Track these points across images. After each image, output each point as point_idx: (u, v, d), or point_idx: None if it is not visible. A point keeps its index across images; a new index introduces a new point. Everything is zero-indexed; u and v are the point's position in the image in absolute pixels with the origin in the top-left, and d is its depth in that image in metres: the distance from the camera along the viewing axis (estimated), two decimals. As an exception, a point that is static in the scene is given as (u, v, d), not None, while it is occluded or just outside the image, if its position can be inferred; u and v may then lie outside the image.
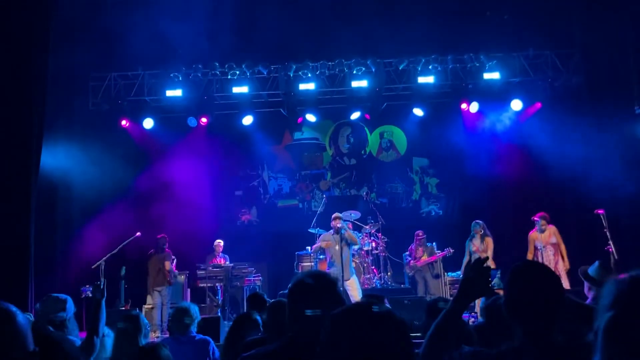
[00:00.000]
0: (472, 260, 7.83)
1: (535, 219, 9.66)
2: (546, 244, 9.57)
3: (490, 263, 9.18)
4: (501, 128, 11.97)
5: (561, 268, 9.34)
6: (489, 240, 9.81)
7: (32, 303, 8.59)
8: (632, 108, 10.25)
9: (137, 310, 5.58)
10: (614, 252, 8.60)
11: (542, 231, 9.63)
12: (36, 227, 9.10)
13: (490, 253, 9.59)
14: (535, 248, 9.65)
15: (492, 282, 2.28)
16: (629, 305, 1.47)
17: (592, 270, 4.52)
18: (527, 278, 2.23)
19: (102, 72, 11.30)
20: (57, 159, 10.50)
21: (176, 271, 10.49)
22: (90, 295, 4.17)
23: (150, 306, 10.18)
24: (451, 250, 10.40)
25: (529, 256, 9.59)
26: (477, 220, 9.93)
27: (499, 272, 7.97)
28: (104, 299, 4.08)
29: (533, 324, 2.14)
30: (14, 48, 8.48)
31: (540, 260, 9.42)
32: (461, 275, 8.86)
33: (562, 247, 9.61)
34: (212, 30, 10.11)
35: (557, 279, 2.28)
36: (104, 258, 9.56)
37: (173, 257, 10.37)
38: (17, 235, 8.64)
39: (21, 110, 8.78)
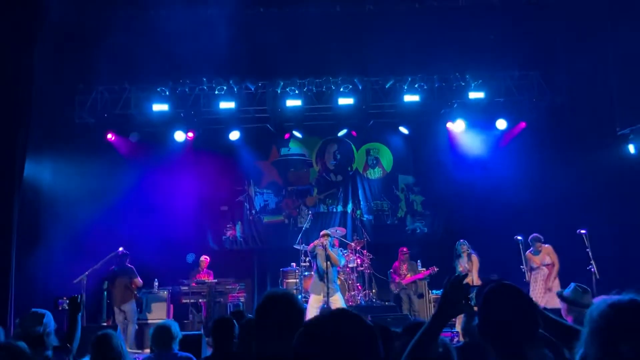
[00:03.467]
0: None
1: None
2: (539, 265, 9.56)
3: (476, 281, 9.20)
4: (486, 147, 12.07)
5: (555, 287, 9.28)
6: (475, 259, 9.83)
7: (12, 318, 8.48)
8: (613, 129, 10.40)
9: (120, 328, 5.54)
10: (596, 272, 8.65)
11: (537, 253, 9.64)
12: (18, 241, 9.00)
13: (475, 271, 9.61)
14: (531, 268, 9.66)
15: (471, 299, 2.26)
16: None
17: (568, 292, 4.55)
18: (500, 301, 2.22)
19: (88, 85, 11.25)
20: (42, 172, 10.43)
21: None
22: (67, 307, 4.12)
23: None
24: (435, 269, 10.40)
25: (527, 275, 9.59)
26: (461, 240, 9.95)
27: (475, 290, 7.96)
28: (79, 313, 4.04)
29: (506, 347, 2.13)
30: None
31: (535, 281, 9.46)
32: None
33: (557, 266, 9.51)
34: (199, 46, 10.11)
35: (530, 301, 2.26)
36: (86, 272, 9.47)
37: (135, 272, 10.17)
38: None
39: (5, 122, 8.72)
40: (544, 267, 9.52)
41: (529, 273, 9.61)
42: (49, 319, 3.96)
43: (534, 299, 2.66)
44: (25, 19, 8.79)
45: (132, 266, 10.09)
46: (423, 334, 2.19)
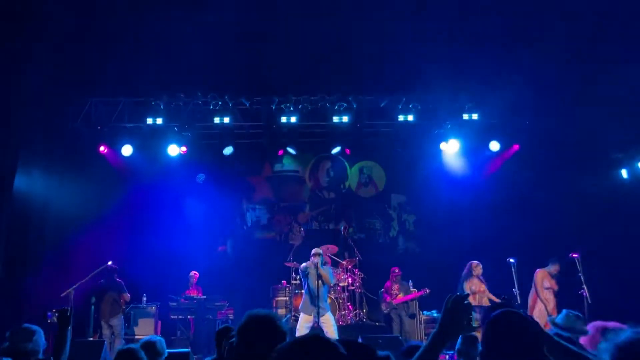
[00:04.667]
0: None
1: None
2: (551, 286, 9.63)
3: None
4: (479, 167, 12.11)
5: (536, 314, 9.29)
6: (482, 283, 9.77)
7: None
8: (606, 153, 10.47)
9: (107, 343, 5.44)
10: (588, 296, 8.65)
11: (554, 276, 9.71)
12: (6, 252, 8.90)
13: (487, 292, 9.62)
14: (544, 287, 9.68)
15: (472, 319, 2.22)
16: None
17: (560, 319, 4.54)
18: (505, 330, 2.18)
19: (82, 96, 11.18)
20: (32, 181, 10.31)
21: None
22: (56, 321, 4.05)
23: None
24: (427, 291, 10.33)
25: (541, 295, 9.62)
26: (475, 261, 9.87)
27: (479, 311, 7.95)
28: (68, 327, 3.96)
29: None
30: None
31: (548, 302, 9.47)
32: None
33: (541, 292, 9.58)
34: (195, 60, 10.12)
35: (536, 332, 2.22)
36: (74, 286, 9.34)
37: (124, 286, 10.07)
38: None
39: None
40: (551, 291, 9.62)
41: (541, 293, 9.59)
42: (39, 336, 3.89)
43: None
44: (16, 31, 8.78)
45: (120, 281, 9.97)
46: (423, 354, 2.15)
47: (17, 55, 8.80)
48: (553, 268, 9.68)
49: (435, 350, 2.17)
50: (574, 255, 8.99)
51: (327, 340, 1.62)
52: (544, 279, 9.67)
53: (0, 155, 8.91)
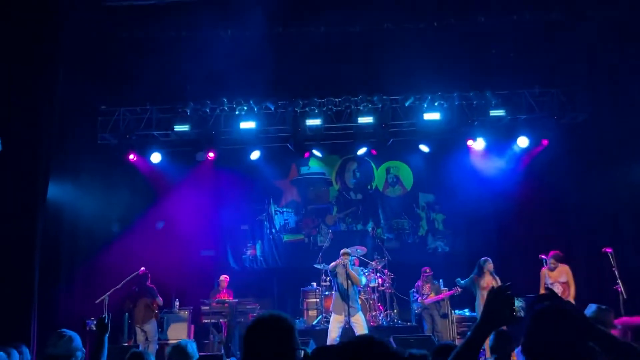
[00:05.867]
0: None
1: (543, 257, 9.57)
2: (554, 281, 9.45)
3: None
4: (507, 164, 11.97)
5: None
6: (497, 278, 9.69)
7: (34, 336, 8.53)
8: (638, 145, 10.25)
9: (142, 348, 5.53)
10: (623, 291, 8.49)
11: (552, 269, 9.52)
12: (41, 261, 9.09)
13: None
14: (545, 283, 9.52)
15: (516, 310, 2.18)
16: None
17: (590, 312, 4.48)
18: (549, 325, 2.15)
19: (110, 106, 11.40)
20: (64, 192, 10.54)
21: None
22: (95, 328, 4.13)
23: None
24: (459, 290, 10.24)
25: (541, 291, 9.46)
26: (486, 257, 9.79)
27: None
28: (106, 334, 4.04)
29: None
30: (22, 81, 8.60)
31: None
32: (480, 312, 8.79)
33: (572, 288, 9.42)
34: (220, 66, 10.22)
35: (582, 325, 2.19)
36: (108, 293, 9.51)
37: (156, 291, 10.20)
38: (22, 268, 8.63)
39: (28, 144, 8.85)
40: (558, 285, 9.40)
41: (542, 288, 9.49)
42: (77, 342, 3.96)
43: None
44: (47, 41, 8.97)
45: (152, 286, 10.11)
46: (464, 348, 2.13)
47: (46, 68, 8.99)
48: (553, 264, 9.55)
49: (477, 343, 2.13)
50: (607, 250, 8.83)
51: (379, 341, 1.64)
52: (545, 277, 9.57)
53: (32, 166, 9.11)
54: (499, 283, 9.46)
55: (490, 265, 9.66)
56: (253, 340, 2.30)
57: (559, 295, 8.82)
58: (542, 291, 9.46)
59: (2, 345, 4.24)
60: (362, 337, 1.69)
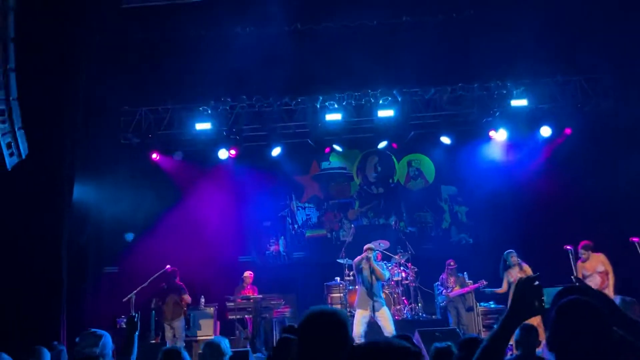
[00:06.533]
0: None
1: (569, 247, 9.42)
2: (592, 272, 9.29)
3: None
4: (530, 154, 11.84)
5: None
6: (528, 268, 9.56)
7: (64, 335, 8.69)
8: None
9: (178, 346, 5.60)
10: (651, 280, 8.35)
11: (585, 260, 9.38)
12: (68, 260, 9.24)
13: None
14: (583, 276, 9.37)
15: (545, 301, 2.16)
16: None
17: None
18: (573, 318, 2.12)
19: (132, 106, 11.52)
20: (89, 192, 10.69)
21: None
22: (125, 326, 4.19)
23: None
24: (484, 283, 10.16)
25: None
26: (510, 250, 9.70)
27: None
28: (136, 332, 4.10)
29: None
30: (47, 84, 8.72)
31: None
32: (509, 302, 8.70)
33: (611, 276, 9.20)
34: (238, 64, 10.25)
35: (605, 319, 2.16)
36: (135, 291, 9.61)
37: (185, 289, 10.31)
38: (50, 268, 8.78)
39: (54, 146, 9.00)
40: (596, 275, 9.24)
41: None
42: (106, 340, 4.02)
43: None
44: (70, 45, 9.09)
45: (181, 284, 10.22)
46: (492, 340, 2.11)
47: (70, 71, 9.12)
48: (584, 254, 9.40)
49: (505, 335, 2.11)
50: (634, 239, 8.68)
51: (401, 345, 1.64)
52: (582, 269, 9.41)
53: (58, 168, 9.25)
54: (530, 272, 9.42)
55: (514, 258, 9.56)
56: (309, 335, 2.30)
57: (597, 287, 8.77)
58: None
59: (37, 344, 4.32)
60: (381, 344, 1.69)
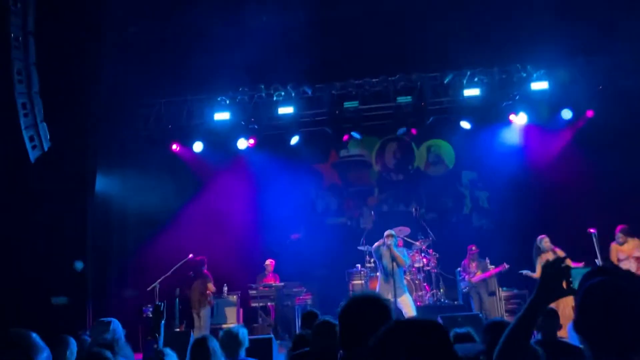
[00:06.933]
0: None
1: (592, 230, 9.30)
2: (629, 256, 9.19)
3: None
4: (551, 138, 11.70)
5: None
6: (561, 252, 9.44)
7: (90, 324, 8.86)
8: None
9: (207, 334, 5.68)
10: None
11: (621, 244, 9.28)
12: (94, 253, 9.40)
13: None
14: (618, 259, 9.28)
15: (573, 282, 2.13)
16: None
17: None
18: (603, 299, 2.09)
19: (151, 98, 11.62)
20: (112, 184, 10.84)
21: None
22: (151, 315, 4.27)
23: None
24: (506, 266, 10.12)
25: None
26: (542, 236, 9.60)
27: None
28: (163, 321, 4.16)
29: (608, 353, 2.01)
30: (68, 78, 8.84)
31: None
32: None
33: None
34: (256, 54, 10.27)
35: (636, 301, 2.12)
36: (158, 280, 9.74)
37: (211, 278, 10.42)
38: (75, 259, 8.94)
39: (76, 138, 9.12)
40: (632, 260, 9.13)
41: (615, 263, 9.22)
42: (115, 325, 4.11)
43: None
44: (90, 39, 9.18)
45: (208, 273, 10.34)
46: (520, 322, 2.09)
47: (90, 65, 9.22)
48: (621, 238, 9.28)
49: (533, 316, 2.09)
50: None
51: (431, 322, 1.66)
52: (617, 252, 9.29)
53: (81, 160, 9.39)
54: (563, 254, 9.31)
55: (547, 243, 9.46)
56: (353, 320, 2.33)
57: (634, 270, 8.66)
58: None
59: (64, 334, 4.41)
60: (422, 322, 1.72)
